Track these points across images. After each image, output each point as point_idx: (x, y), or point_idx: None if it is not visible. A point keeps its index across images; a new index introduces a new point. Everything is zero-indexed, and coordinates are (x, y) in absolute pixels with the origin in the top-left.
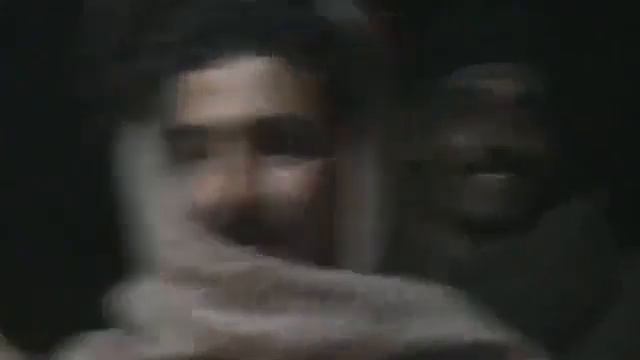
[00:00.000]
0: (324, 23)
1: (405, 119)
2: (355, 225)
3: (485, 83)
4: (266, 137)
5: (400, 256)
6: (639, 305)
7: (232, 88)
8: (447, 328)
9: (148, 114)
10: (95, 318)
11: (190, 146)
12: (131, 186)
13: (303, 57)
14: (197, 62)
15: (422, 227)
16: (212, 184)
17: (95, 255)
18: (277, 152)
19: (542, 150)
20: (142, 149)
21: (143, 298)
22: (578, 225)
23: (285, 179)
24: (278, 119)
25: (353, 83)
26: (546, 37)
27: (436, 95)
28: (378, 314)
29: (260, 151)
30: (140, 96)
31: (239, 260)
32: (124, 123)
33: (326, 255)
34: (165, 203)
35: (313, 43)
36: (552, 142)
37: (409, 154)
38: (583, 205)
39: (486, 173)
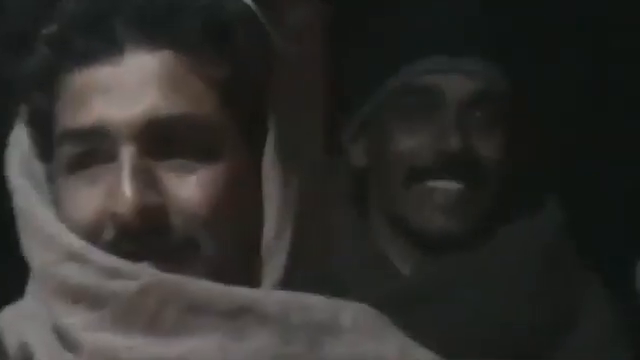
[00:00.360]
0: (232, 8)
1: (345, 120)
2: (268, 236)
3: (435, 79)
4: (159, 140)
5: (329, 271)
6: (598, 324)
7: (119, 86)
8: (365, 348)
9: (37, 115)
10: None
11: (73, 152)
12: (20, 195)
13: (204, 49)
14: (80, 56)
15: (361, 239)
16: (94, 196)
17: None
18: (173, 156)
19: (499, 157)
20: (32, 155)
21: (23, 318)
22: (537, 241)
23: (183, 187)
24: (173, 120)
25: (262, 79)
26: (506, 31)
27: (382, 93)
28: (291, 335)
29: (152, 156)
30: (28, 95)
31: (133, 277)
32: (15, 125)
33: (235, 270)
34: (48, 217)
35: (216, 33)
36: (511, 149)
37: (354, 158)
38: (542, 219)
39: (437, 180)
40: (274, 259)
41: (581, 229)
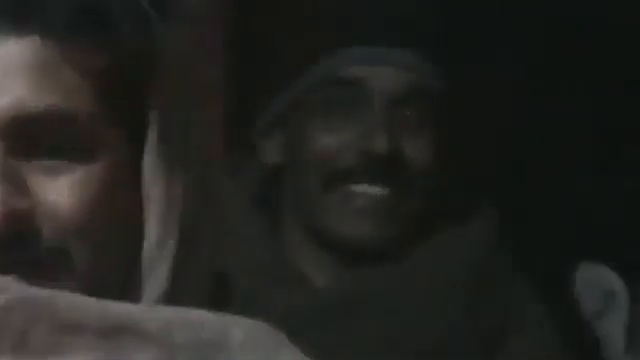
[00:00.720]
0: None
1: (257, 113)
2: (149, 244)
3: (362, 71)
4: (27, 137)
5: (228, 284)
6: (528, 342)
7: None
8: None
9: None
10: None
11: None
12: None
13: (77, 36)
14: None
15: (271, 248)
16: None
17: None
18: (42, 155)
19: (430, 161)
20: None
21: None
22: (466, 253)
23: (53, 189)
24: (42, 114)
25: (145, 70)
26: (444, 21)
27: (301, 84)
28: (175, 355)
29: (19, 155)
30: None
31: None
32: None
33: (112, 283)
34: None
35: (91, 18)
36: (443, 152)
37: (267, 155)
38: (474, 229)
39: (360, 184)
40: (156, 270)
41: (518, 236)
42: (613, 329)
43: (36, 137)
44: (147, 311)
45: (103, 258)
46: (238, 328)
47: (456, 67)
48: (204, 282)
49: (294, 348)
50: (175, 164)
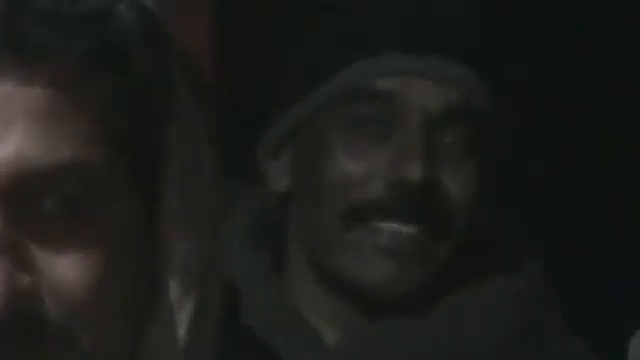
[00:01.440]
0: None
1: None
2: (171, 304)
3: (394, 84)
4: (29, 198)
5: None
6: None
7: None
8: None
9: None
10: None
11: None
12: None
13: (93, 78)
14: None
15: (273, 293)
16: None
17: None
18: (47, 220)
19: (472, 194)
20: None
21: None
22: (512, 305)
23: (58, 261)
24: (49, 169)
25: (160, 110)
26: (497, 28)
27: (319, 97)
28: None
29: (19, 221)
30: None
31: None
32: None
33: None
34: None
35: (104, 55)
36: (486, 183)
37: (272, 180)
38: (519, 280)
39: (387, 220)
40: (174, 329)
41: (570, 291)
42: None
43: (41, 197)
44: None
45: (110, 340)
46: None
47: (505, 84)
48: (218, 336)
49: None
50: (191, 216)
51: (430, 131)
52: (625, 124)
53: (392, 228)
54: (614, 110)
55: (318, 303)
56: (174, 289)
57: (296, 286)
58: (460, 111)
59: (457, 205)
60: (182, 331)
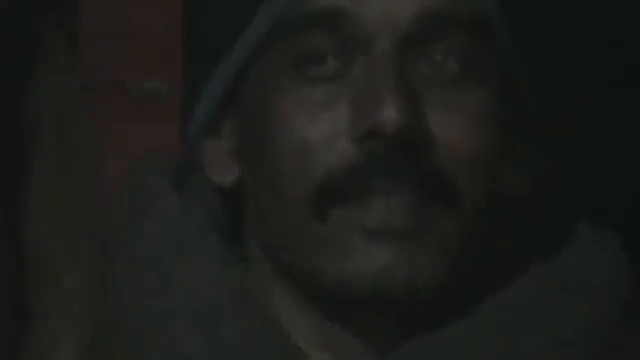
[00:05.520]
0: None
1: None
2: None
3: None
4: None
5: None
6: None
7: None
8: None
9: None
10: None
11: None
12: None
13: None
14: None
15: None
16: None
17: None
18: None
19: (486, 144)
20: None
21: None
22: (585, 307)
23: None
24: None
25: None
26: None
27: (251, 37)
28: None
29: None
30: None
31: None
32: None
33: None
34: None
35: None
36: (506, 127)
37: (211, 169)
38: (588, 263)
39: (366, 195)
40: None
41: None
42: None
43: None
44: None
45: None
46: None
47: None
48: None
49: None
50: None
51: (403, 53)
52: None
53: (375, 201)
54: None
55: (303, 325)
56: None
57: (264, 295)
58: (445, 15)
59: (456, 157)
60: None
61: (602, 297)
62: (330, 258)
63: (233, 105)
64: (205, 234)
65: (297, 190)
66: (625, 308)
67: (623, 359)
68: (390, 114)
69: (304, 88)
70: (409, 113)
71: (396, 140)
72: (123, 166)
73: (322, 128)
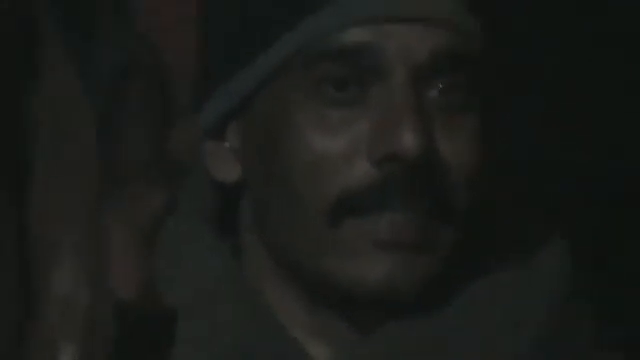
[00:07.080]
0: None
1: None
2: None
3: (360, 35)
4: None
5: None
6: None
7: None
8: None
9: None
10: None
11: None
12: None
13: None
14: None
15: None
16: None
17: None
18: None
19: (478, 163)
20: None
21: None
22: (539, 300)
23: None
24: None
25: None
26: None
27: (272, 61)
28: None
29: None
30: None
31: None
32: None
33: None
34: None
35: None
36: (492, 150)
37: (217, 170)
38: (543, 264)
39: (381, 210)
40: None
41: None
42: None
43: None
44: None
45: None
46: None
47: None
48: None
49: None
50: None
51: (417, 83)
52: None
53: (389, 216)
54: None
55: (300, 317)
56: None
57: (269, 296)
58: (452, 57)
59: (458, 177)
60: None
61: (553, 284)
62: (339, 261)
63: (240, 109)
64: (201, 225)
65: (312, 202)
66: (570, 295)
67: (569, 334)
68: (410, 139)
69: (324, 109)
70: (426, 139)
71: (415, 163)
72: None
73: (340, 145)
